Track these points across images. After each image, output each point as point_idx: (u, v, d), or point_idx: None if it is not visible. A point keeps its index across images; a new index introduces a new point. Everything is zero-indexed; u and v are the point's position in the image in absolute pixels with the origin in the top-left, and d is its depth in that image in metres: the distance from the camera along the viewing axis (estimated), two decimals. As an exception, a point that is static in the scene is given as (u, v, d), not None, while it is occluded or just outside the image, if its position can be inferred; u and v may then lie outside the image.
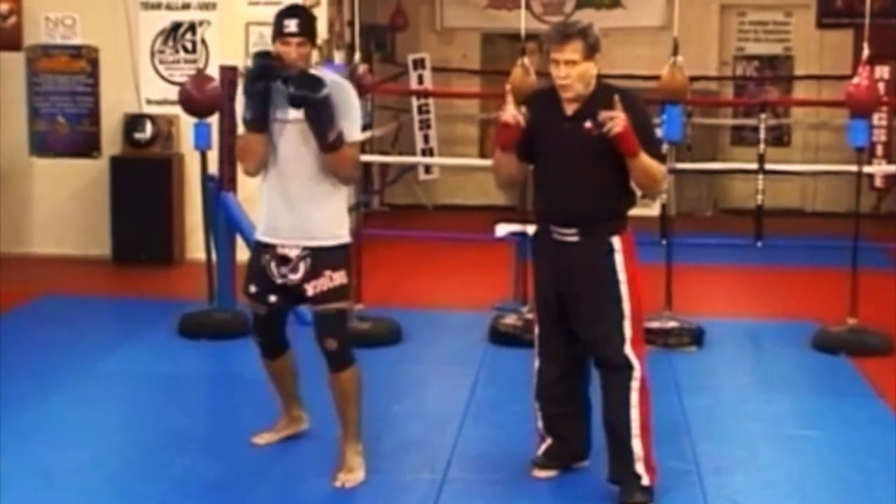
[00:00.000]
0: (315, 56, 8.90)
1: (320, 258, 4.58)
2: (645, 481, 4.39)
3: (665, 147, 7.11)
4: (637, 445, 4.38)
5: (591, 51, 4.33)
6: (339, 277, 4.60)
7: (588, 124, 4.28)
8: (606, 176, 4.34)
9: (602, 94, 4.36)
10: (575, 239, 4.40)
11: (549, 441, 4.69)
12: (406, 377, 6.26)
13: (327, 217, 4.60)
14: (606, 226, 4.41)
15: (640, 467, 4.39)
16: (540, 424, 4.69)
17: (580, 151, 4.33)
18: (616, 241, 4.40)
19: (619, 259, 4.39)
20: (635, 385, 4.38)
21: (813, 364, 6.55)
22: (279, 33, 4.50)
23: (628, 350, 4.38)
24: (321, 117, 4.41)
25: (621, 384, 4.39)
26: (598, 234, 4.40)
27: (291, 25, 4.49)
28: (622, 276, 4.39)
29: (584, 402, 4.68)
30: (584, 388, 4.66)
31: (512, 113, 4.39)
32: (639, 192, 4.51)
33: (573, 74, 4.31)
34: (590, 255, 4.39)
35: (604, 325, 4.39)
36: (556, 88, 4.39)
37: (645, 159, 4.29)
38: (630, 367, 4.38)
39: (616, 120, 4.18)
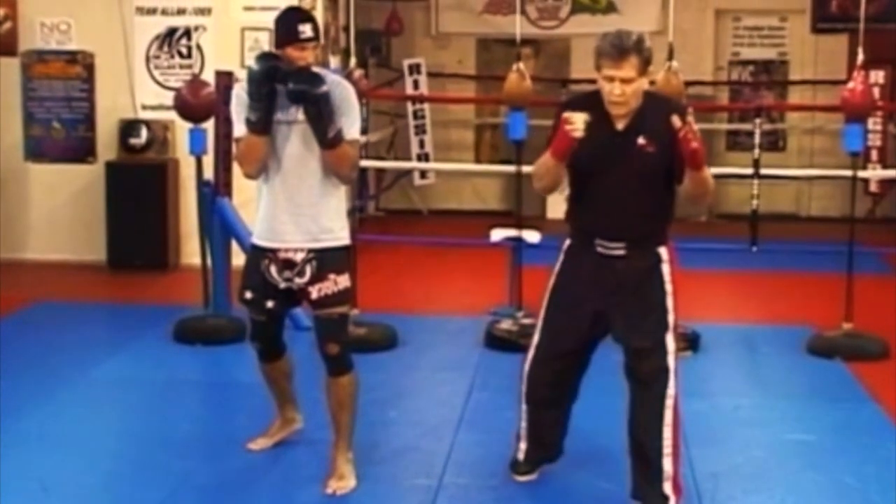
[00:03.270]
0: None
1: (325, 261, 4.56)
2: (672, 503, 4.30)
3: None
4: (668, 465, 4.27)
5: (646, 65, 4.10)
6: (343, 281, 4.59)
7: (642, 140, 4.14)
8: (658, 192, 4.23)
9: (650, 106, 4.19)
10: (622, 252, 4.27)
11: (526, 445, 4.66)
12: (401, 382, 6.26)
13: (331, 218, 4.59)
14: (654, 238, 4.31)
15: (667, 487, 4.28)
16: (523, 425, 4.65)
17: (633, 168, 4.18)
18: (663, 252, 4.30)
19: (665, 269, 4.29)
20: (669, 403, 4.26)
21: (808, 368, 6.55)
22: (294, 38, 4.42)
23: (671, 362, 4.26)
24: (321, 113, 4.37)
25: (656, 400, 4.26)
26: (646, 246, 4.30)
27: (307, 30, 4.43)
28: (668, 286, 4.28)
29: (572, 403, 4.61)
30: (576, 392, 4.60)
31: (583, 123, 4.08)
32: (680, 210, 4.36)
33: (628, 92, 4.09)
34: (638, 266, 4.28)
35: (649, 336, 4.28)
36: (604, 102, 4.17)
37: (707, 172, 4.16)
38: (666, 381, 4.25)
39: (691, 134, 3.99)
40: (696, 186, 4.18)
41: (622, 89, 4.09)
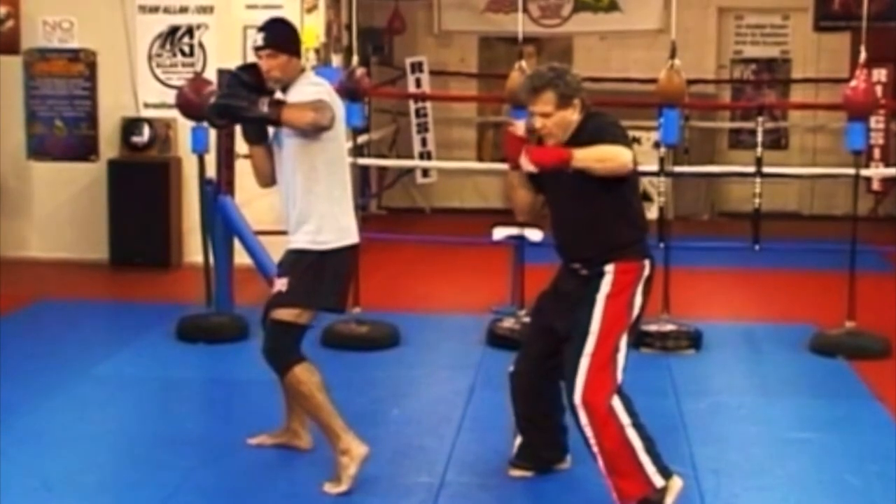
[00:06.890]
0: (312, 59, 8.95)
1: (283, 263, 4.72)
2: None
3: (662, 150, 7.13)
4: (610, 483, 4.28)
5: (565, 99, 4.30)
6: (281, 285, 4.64)
7: None
8: (596, 210, 4.33)
9: (586, 128, 4.32)
10: (585, 273, 4.40)
11: (520, 440, 4.71)
12: (403, 381, 6.25)
13: (310, 223, 4.63)
14: (607, 257, 4.36)
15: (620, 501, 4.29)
16: (514, 422, 4.72)
17: (568, 191, 4.34)
18: (609, 267, 4.35)
19: (606, 280, 4.34)
20: (587, 430, 4.25)
21: (811, 367, 6.55)
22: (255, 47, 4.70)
23: (577, 398, 4.23)
24: (245, 119, 4.58)
25: (577, 425, 4.30)
26: (598, 264, 4.37)
27: (258, 39, 4.66)
28: (600, 301, 4.31)
29: (556, 406, 4.60)
30: (556, 391, 4.58)
31: (525, 126, 4.36)
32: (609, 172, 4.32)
33: (549, 125, 4.32)
34: (584, 282, 4.38)
35: (569, 358, 4.31)
36: None
37: (583, 152, 4.17)
38: (576, 413, 4.27)
39: (523, 163, 4.24)
40: (594, 168, 4.18)
41: (542, 122, 4.33)
